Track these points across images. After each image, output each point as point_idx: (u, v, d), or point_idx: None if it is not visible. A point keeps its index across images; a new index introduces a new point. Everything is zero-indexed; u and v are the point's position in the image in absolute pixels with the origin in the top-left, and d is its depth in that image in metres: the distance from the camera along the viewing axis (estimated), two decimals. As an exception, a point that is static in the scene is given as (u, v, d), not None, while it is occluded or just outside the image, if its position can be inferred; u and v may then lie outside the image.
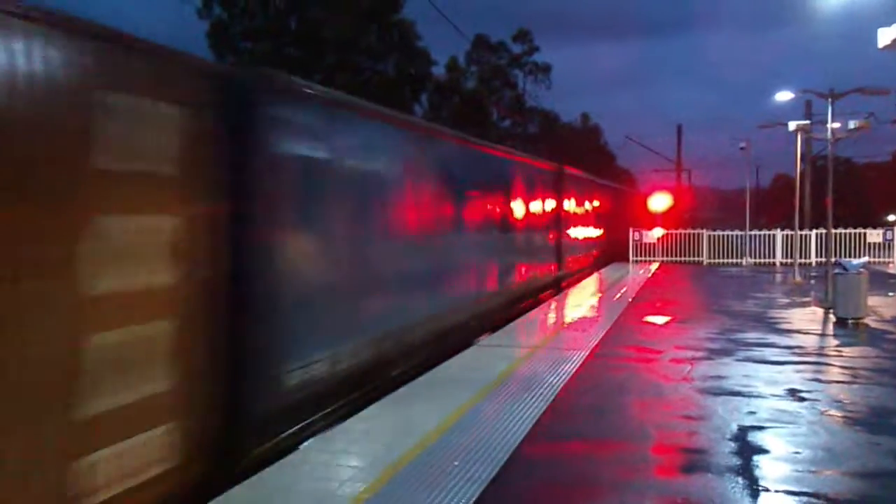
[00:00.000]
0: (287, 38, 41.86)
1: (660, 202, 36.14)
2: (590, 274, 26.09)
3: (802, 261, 27.63)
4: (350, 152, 9.12)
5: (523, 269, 18.09)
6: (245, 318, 6.62)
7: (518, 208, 17.66)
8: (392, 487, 5.65)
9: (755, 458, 6.41)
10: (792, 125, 22.45)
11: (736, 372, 9.81)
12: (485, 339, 12.49)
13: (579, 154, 51.76)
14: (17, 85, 4.50)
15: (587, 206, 27.73)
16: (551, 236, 21.21)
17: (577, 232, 25.44)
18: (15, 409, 4.45)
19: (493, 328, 13.74)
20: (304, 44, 41.40)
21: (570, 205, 23.70)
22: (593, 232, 28.99)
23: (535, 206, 19.39)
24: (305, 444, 6.79)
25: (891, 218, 43.54)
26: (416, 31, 46.57)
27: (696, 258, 30.40)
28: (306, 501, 5.39)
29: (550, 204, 21.08)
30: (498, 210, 16.19)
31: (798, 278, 22.83)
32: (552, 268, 21.29)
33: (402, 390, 8.77)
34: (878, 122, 41.21)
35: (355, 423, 7.39)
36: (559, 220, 22.03)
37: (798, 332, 13.15)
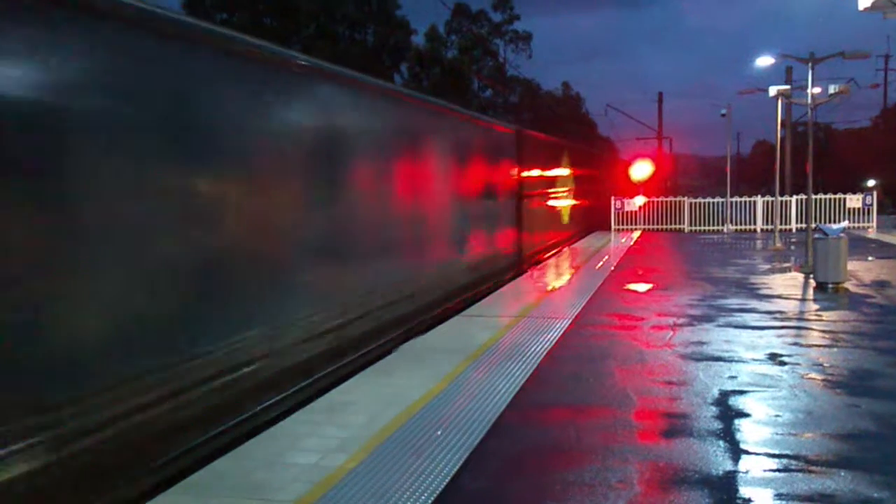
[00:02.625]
0: (263, 7, 41.32)
1: (641, 170, 36.18)
2: (581, 237, 26.71)
3: (783, 227, 27.84)
4: (549, 161, 22.80)
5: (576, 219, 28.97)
6: (519, 227, 18.84)
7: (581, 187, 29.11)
8: (376, 457, 5.66)
9: (736, 421, 6.47)
10: (772, 91, 22.47)
11: (717, 337, 9.89)
12: (469, 309, 12.52)
13: (561, 123, 51.64)
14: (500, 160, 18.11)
15: (587, 177, 30.34)
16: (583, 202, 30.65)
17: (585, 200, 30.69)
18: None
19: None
20: (281, 14, 40.88)
21: (587, 180, 31.15)
22: (587, 199, 30.02)
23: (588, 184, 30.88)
24: (291, 416, 6.79)
25: (870, 183, 43.82)
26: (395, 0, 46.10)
27: (678, 226, 30.55)
28: (291, 473, 5.40)
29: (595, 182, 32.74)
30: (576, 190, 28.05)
31: (778, 244, 23.00)
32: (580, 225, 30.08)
33: (387, 359, 8.79)
34: (859, 87, 41.45)
35: (339, 394, 7.39)
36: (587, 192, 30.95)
37: (779, 297, 13.26)
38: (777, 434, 6.17)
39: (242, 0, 40.67)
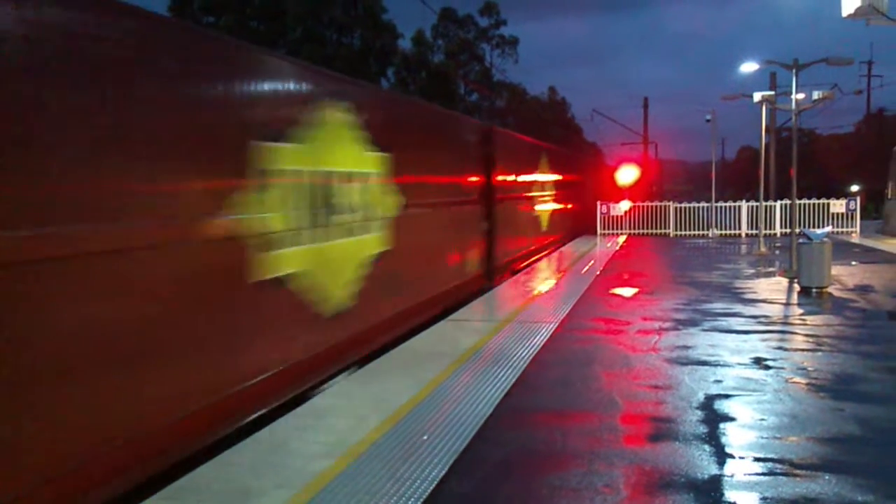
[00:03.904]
0: (251, 10, 41.24)
1: (627, 175, 36.30)
2: (567, 241, 26.83)
3: (767, 231, 27.99)
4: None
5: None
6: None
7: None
8: (362, 462, 5.64)
9: (721, 425, 6.49)
10: (756, 96, 22.55)
11: (702, 342, 9.93)
12: (455, 314, 12.50)
13: (547, 128, 51.75)
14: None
15: (573, 181, 30.59)
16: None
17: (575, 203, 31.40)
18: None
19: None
20: (268, 17, 40.82)
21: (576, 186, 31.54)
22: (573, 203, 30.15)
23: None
24: (276, 421, 6.76)
25: (853, 188, 44.16)
26: (382, 3, 46.11)
27: (663, 230, 30.65)
28: (276, 478, 5.37)
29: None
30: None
31: (763, 249, 23.12)
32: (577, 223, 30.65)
33: (372, 364, 8.77)
34: (842, 93, 41.80)
35: (326, 399, 7.37)
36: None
37: (763, 301, 13.32)
38: (762, 438, 6.19)
39: (230, 3, 40.58)
